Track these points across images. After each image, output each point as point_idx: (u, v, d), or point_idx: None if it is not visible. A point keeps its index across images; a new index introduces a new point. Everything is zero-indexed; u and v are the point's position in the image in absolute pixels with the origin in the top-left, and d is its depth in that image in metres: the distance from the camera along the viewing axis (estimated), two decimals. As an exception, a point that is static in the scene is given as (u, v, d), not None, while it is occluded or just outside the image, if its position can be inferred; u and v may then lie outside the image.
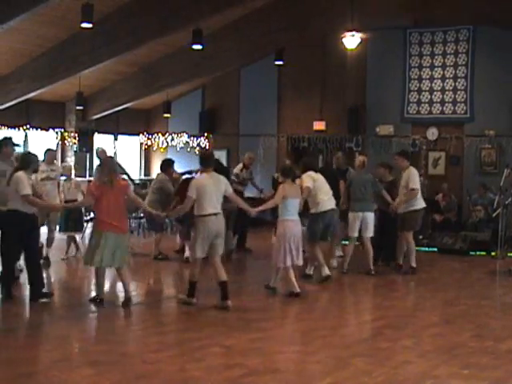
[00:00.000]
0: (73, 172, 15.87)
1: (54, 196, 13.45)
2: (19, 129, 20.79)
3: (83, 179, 19.62)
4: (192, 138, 23.15)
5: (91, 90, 21.50)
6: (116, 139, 23.91)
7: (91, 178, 18.97)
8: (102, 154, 15.20)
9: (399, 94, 19.96)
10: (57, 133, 21.89)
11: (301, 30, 18.93)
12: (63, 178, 14.22)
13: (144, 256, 14.59)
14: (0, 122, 20.27)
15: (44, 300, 10.06)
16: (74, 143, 22.01)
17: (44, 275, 10.80)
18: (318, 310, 10.47)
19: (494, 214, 15.31)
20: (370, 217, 13.10)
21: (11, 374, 6.96)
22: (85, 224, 15.75)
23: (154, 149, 24.09)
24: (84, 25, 13.82)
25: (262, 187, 16.72)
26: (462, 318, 9.91)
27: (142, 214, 17.43)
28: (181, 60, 20.00)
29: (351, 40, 17.31)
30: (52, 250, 13.73)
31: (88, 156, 22.30)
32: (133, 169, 24.35)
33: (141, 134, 24.09)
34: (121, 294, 10.38)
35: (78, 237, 14.77)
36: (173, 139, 23.44)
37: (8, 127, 20.45)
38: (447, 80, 19.38)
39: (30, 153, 10.90)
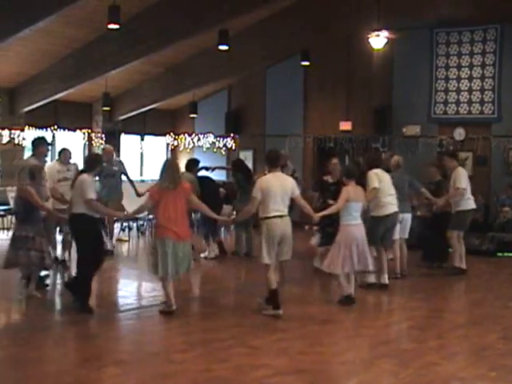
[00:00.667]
0: None
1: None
2: (47, 129, 20.94)
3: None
4: (218, 139, 23.18)
5: (118, 90, 21.61)
6: (142, 140, 24.00)
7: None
8: (107, 153, 14.99)
9: (426, 94, 19.86)
10: (84, 133, 22.01)
11: (326, 29, 18.90)
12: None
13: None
14: (28, 123, 20.44)
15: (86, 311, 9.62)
16: (101, 144, 22.10)
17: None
18: (343, 311, 10.44)
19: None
20: (408, 218, 12.93)
21: (39, 373, 7.02)
22: None
23: (181, 149, 24.15)
24: (111, 26, 13.87)
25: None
26: (488, 319, 9.85)
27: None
28: (207, 60, 20.04)
29: (378, 40, 17.24)
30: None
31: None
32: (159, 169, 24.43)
33: (167, 135, 24.17)
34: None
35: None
36: (199, 139, 23.49)
37: (36, 128, 20.61)
38: (474, 80, 19.26)
39: (94, 154, 10.55)
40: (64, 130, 21.42)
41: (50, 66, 18.97)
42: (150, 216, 15.79)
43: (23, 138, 20.03)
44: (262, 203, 9.44)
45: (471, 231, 16.90)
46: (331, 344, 8.42)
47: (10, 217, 16.67)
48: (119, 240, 16.92)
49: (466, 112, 19.44)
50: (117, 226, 16.98)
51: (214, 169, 16.23)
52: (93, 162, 10.19)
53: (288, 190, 9.58)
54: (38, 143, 11.71)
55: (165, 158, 11.54)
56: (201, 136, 23.47)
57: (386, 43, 17.51)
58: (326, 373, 7.29)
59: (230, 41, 16.87)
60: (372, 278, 11.61)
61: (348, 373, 7.25)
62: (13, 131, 19.38)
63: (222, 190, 15.83)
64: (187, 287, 11.51)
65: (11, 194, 15.87)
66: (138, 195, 14.42)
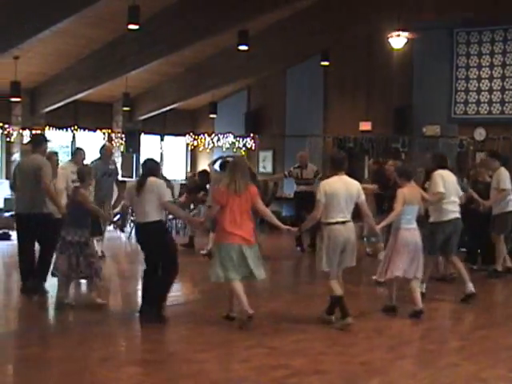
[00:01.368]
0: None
1: None
2: (67, 130, 21.03)
3: (130, 180, 19.73)
4: (238, 139, 23.19)
5: (138, 90, 21.67)
6: (162, 140, 24.06)
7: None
8: (108, 151, 14.48)
9: (446, 94, 19.77)
10: (104, 133, 22.09)
11: (346, 30, 18.89)
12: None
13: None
14: (49, 123, 20.55)
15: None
16: (121, 144, 22.18)
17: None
18: (362, 311, 10.41)
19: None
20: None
21: (59, 372, 7.07)
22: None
23: (200, 149, 24.18)
24: (131, 26, 13.90)
25: None
26: (510, 320, 9.80)
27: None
28: (227, 61, 20.05)
29: (398, 40, 17.20)
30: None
31: (135, 157, 22.48)
32: (179, 169, 24.54)
33: (187, 135, 24.21)
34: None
35: (95, 240, 13.21)
36: (219, 140, 23.50)
37: (56, 128, 20.71)
38: (495, 80, 19.15)
39: (153, 159, 9.97)
40: (84, 130, 21.51)
41: (70, 67, 19.06)
42: (170, 216, 15.78)
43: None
44: (324, 207, 8.89)
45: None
46: (351, 344, 8.40)
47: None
48: None
49: (486, 112, 19.33)
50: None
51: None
52: (159, 167, 9.78)
53: (354, 194, 9.00)
54: (41, 141, 11.21)
55: (231, 159, 10.47)
56: (220, 136, 23.49)
57: (406, 43, 17.46)
58: (344, 373, 7.27)
59: (250, 41, 16.88)
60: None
61: (367, 373, 7.22)
62: (33, 131, 19.46)
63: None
64: (207, 286, 11.50)
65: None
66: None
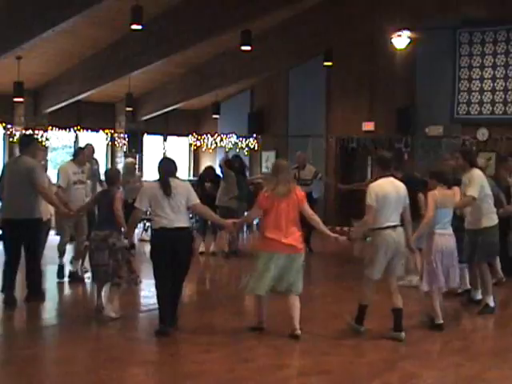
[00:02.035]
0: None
1: (83, 201, 11.76)
2: (70, 129, 21.03)
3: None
4: (241, 139, 23.18)
5: (141, 91, 21.66)
6: (165, 140, 24.04)
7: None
8: (90, 152, 13.60)
9: (449, 94, 19.75)
10: (107, 134, 22.09)
11: (349, 30, 18.86)
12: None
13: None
14: (52, 124, 20.55)
15: None
16: (124, 144, 22.18)
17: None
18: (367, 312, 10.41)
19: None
20: None
21: (62, 372, 7.07)
22: None
23: (203, 149, 24.17)
24: (134, 26, 13.90)
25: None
26: (513, 320, 9.81)
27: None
28: (230, 61, 20.04)
29: (400, 40, 17.21)
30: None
31: (138, 157, 22.46)
32: (182, 169, 24.53)
33: (190, 135, 24.20)
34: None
35: None
36: (222, 140, 23.49)
37: (59, 128, 20.71)
38: (497, 80, 19.14)
39: (170, 159, 9.42)
40: (87, 130, 21.51)
41: (73, 67, 19.04)
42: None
43: (47, 139, 20.13)
44: (375, 211, 8.44)
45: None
46: (354, 345, 8.40)
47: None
48: (142, 240, 16.96)
49: (489, 112, 19.32)
50: (140, 226, 17.03)
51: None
52: (176, 168, 8.92)
53: (402, 197, 8.63)
54: (30, 141, 10.93)
55: (274, 160, 9.51)
56: (223, 136, 23.48)
57: (409, 43, 17.46)
58: (348, 373, 7.28)
59: (253, 41, 16.86)
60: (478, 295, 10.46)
61: (371, 374, 7.23)
62: (36, 131, 19.46)
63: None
64: (212, 287, 11.51)
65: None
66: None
